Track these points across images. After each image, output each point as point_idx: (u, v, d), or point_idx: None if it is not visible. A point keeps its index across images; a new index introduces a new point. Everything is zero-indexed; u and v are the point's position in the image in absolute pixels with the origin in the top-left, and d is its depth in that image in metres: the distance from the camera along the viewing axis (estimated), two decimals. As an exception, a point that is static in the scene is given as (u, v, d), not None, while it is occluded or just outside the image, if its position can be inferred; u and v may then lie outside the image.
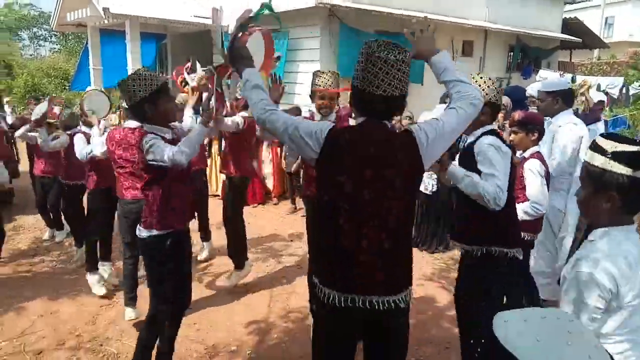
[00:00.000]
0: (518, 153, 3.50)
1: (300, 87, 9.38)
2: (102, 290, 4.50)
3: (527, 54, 12.91)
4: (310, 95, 3.81)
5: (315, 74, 3.72)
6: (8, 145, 7.43)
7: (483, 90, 2.57)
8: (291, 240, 6.14)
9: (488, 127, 2.65)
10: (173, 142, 2.77)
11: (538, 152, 3.35)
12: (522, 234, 3.08)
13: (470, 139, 2.69)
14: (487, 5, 11.56)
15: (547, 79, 11.11)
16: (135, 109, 2.71)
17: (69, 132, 4.87)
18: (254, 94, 2.03)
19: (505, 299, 2.70)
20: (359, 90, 1.86)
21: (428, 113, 7.07)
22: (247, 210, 6.93)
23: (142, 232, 2.79)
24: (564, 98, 3.84)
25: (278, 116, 1.96)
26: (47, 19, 21.65)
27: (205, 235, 5.45)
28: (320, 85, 3.63)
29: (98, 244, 4.62)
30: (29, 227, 6.61)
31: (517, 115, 3.42)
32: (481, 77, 2.66)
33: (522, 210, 3.16)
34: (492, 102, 2.63)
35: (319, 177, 1.96)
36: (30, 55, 24.50)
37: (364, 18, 8.96)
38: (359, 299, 1.86)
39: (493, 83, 2.66)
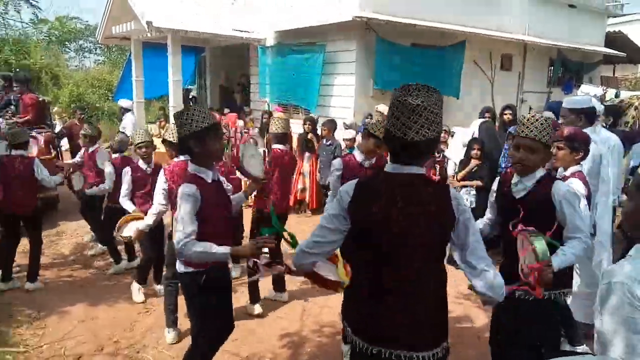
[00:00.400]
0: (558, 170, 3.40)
1: (336, 100, 9.44)
2: (141, 297, 4.61)
3: (568, 68, 12.60)
4: (364, 134, 3.81)
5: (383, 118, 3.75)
6: (55, 154, 7.72)
7: (537, 129, 2.46)
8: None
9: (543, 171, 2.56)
10: (215, 185, 2.75)
11: (580, 171, 3.20)
12: None
13: (528, 183, 2.54)
14: (528, 19, 11.37)
15: (589, 94, 10.82)
16: (182, 142, 2.70)
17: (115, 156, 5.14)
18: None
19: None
20: (388, 133, 1.84)
21: (461, 129, 6.98)
22: (281, 222, 6.97)
23: (179, 267, 2.79)
24: (587, 116, 3.81)
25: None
26: (92, 32, 22.48)
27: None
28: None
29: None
30: (72, 233, 6.83)
31: (566, 130, 3.29)
32: (533, 116, 2.52)
33: None
34: (547, 144, 2.51)
35: (351, 230, 1.92)
36: (76, 66, 25.46)
37: (401, 31, 8.95)
38: (386, 351, 1.83)
39: (547, 123, 2.47)
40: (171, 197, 3.62)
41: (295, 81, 10.06)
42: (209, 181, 2.70)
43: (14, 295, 4.82)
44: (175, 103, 11.03)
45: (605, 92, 10.12)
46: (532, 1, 11.47)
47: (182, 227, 2.53)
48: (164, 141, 4.14)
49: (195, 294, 2.77)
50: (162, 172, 3.78)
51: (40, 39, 22.35)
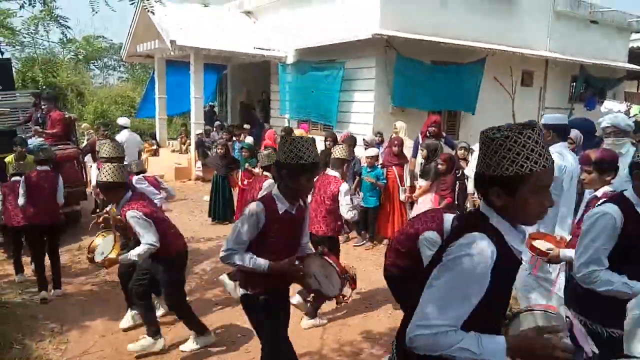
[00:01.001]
0: (587, 192, 3.35)
1: (355, 116, 9.47)
2: (161, 311, 4.63)
3: (591, 84, 12.45)
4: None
5: None
6: (79, 170, 7.87)
7: None
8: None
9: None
10: (288, 217, 2.76)
11: (612, 191, 3.15)
12: None
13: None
14: (550, 35, 11.31)
15: (612, 110, 10.65)
16: (277, 167, 2.72)
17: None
18: None
19: None
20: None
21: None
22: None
23: (240, 289, 2.92)
24: (557, 132, 4.03)
25: None
26: (116, 50, 23.03)
27: None
28: None
29: None
30: (94, 248, 6.91)
31: (593, 155, 3.25)
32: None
33: None
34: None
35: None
36: (100, 83, 26.09)
37: (421, 48, 8.98)
38: None
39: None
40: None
41: (314, 98, 10.14)
42: (280, 212, 2.71)
43: (38, 309, 4.89)
44: (196, 120, 11.21)
45: (630, 108, 9.96)
46: (554, 17, 11.42)
47: (232, 237, 2.68)
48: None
49: (252, 314, 2.96)
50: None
51: (68, 58, 23.03)
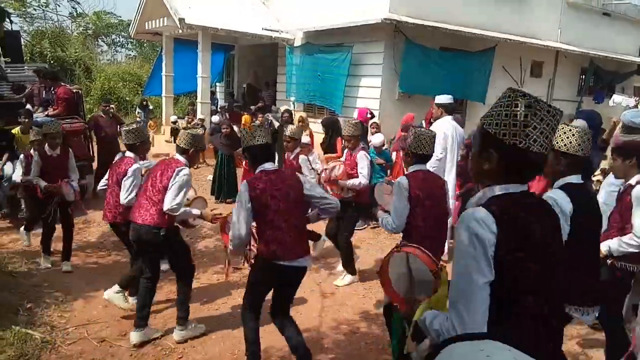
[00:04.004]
0: (619, 181, 3.45)
1: (361, 102, 9.46)
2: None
3: (600, 77, 12.37)
4: None
5: None
6: (85, 145, 7.94)
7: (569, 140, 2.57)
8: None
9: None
10: None
11: None
12: (630, 265, 3.18)
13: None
14: (560, 26, 11.21)
15: (620, 103, 10.59)
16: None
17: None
18: None
19: None
20: (516, 149, 1.47)
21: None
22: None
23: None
24: (445, 109, 5.64)
25: None
26: (125, 27, 22.98)
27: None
28: None
29: None
30: (99, 221, 6.99)
31: (615, 142, 3.39)
32: (570, 130, 2.59)
33: (623, 242, 3.14)
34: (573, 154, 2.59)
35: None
36: (108, 60, 26.07)
37: (430, 35, 8.93)
38: None
39: (582, 136, 2.56)
40: None
41: (321, 82, 10.13)
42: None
43: (45, 277, 5.00)
44: (203, 99, 11.23)
45: (639, 103, 9.90)
46: (566, 8, 11.31)
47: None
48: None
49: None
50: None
51: (78, 32, 22.99)
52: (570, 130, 2.56)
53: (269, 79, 13.25)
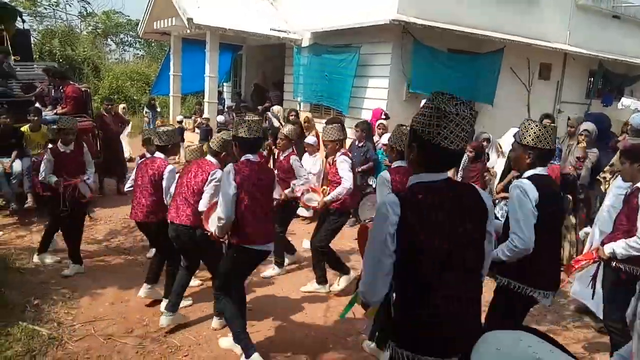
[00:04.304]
0: (627, 184, 3.48)
1: (368, 102, 9.45)
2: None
3: (609, 80, 12.28)
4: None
5: None
6: (94, 143, 7.99)
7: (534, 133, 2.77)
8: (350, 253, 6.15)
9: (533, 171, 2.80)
10: None
11: None
12: (636, 268, 3.21)
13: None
14: (569, 28, 11.15)
15: (629, 106, 10.53)
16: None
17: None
18: None
19: None
20: (431, 144, 1.76)
21: (505, 139, 6.92)
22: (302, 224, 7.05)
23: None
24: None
25: None
26: (133, 27, 23.09)
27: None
28: None
29: None
30: (106, 219, 7.06)
31: (623, 145, 3.41)
32: (536, 126, 2.78)
33: (629, 245, 3.17)
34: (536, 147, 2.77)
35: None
36: (116, 59, 26.20)
37: (438, 36, 8.91)
38: None
39: (547, 131, 2.76)
40: None
41: (328, 82, 10.12)
42: None
43: (52, 274, 5.04)
44: (210, 99, 11.26)
45: (647, 106, 9.84)
46: (575, 10, 11.24)
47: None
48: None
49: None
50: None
51: (87, 31, 23.13)
52: (536, 126, 2.76)
53: (276, 79, 13.27)
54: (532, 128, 2.76)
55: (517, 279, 2.80)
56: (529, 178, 2.75)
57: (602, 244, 3.38)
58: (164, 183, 4.21)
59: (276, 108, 9.92)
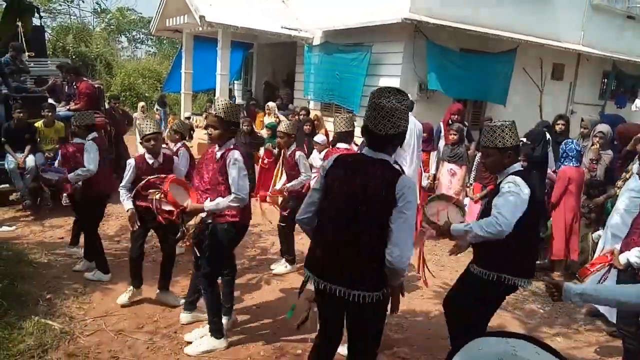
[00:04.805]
0: None
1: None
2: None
3: (623, 81, 12.15)
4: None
5: None
6: (106, 139, 8.05)
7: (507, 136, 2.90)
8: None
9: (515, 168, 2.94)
10: None
11: None
12: None
13: (500, 179, 2.97)
14: (583, 28, 11.03)
15: (643, 108, 10.41)
16: None
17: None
18: None
19: None
20: (367, 128, 2.40)
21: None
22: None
23: None
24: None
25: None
26: (145, 24, 23.23)
27: None
28: None
29: None
30: (117, 215, 7.11)
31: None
32: (499, 128, 2.91)
33: None
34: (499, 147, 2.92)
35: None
36: (128, 56, 26.40)
37: (450, 35, 8.87)
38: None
39: (510, 129, 2.90)
40: None
41: (339, 81, 10.12)
42: None
43: (64, 269, 5.09)
44: (221, 96, 11.30)
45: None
46: (589, 10, 11.12)
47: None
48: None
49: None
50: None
51: (101, 28, 23.34)
52: (499, 127, 2.89)
53: (286, 77, 13.29)
54: (505, 131, 2.87)
55: (503, 271, 2.90)
56: (517, 174, 2.87)
57: (621, 251, 3.31)
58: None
59: (271, 104, 10.06)
